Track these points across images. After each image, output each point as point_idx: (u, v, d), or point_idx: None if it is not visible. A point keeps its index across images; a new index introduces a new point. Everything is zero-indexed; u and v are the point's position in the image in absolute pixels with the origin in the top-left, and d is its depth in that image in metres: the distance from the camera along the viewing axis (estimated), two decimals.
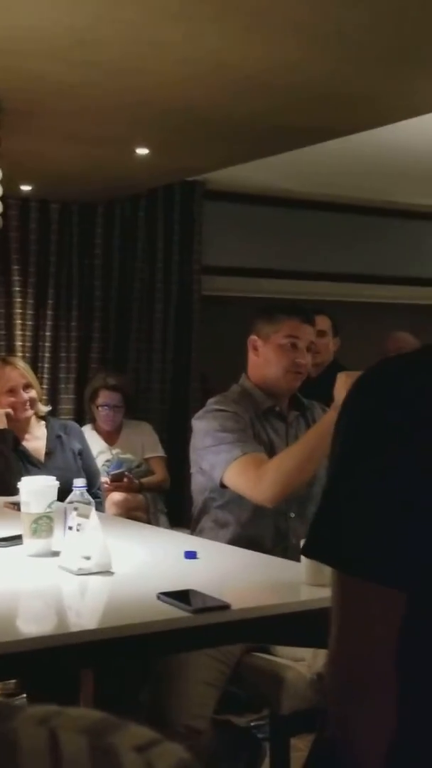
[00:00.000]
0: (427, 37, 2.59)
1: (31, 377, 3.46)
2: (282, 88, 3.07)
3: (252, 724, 3.29)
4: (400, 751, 0.86)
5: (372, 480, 0.87)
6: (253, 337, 2.58)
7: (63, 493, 2.25)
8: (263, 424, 2.54)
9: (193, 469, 2.55)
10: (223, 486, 2.43)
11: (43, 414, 3.50)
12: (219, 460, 2.41)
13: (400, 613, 0.85)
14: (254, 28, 2.54)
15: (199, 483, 2.53)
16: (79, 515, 2.04)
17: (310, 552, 0.94)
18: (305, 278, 5.70)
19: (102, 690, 3.50)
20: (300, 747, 2.84)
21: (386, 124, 3.55)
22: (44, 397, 4.47)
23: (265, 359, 2.55)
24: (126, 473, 4.24)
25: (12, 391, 3.37)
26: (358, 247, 5.87)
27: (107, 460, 4.33)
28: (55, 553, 2.14)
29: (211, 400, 2.57)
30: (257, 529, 2.44)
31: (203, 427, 2.49)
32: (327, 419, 2.29)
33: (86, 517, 2.01)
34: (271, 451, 2.52)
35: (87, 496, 2.21)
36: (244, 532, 2.43)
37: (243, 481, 2.37)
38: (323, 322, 4.24)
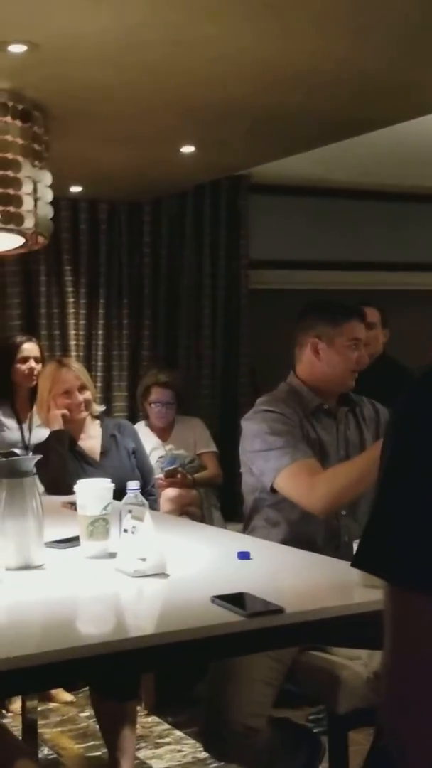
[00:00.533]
0: None
1: (85, 378, 3.51)
2: (327, 82, 3.06)
3: (310, 717, 3.31)
4: None
5: (424, 491, 0.87)
6: (314, 339, 2.57)
7: (118, 493, 2.29)
8: (312, 422, 2.55)
9: (243, 470, 2.57)
10: (273, 491, 2.45)
11: (97, 414, 3.54)
12: (269, 468, 2.43)
13: None
14: (298, 23, 2.53)
15: (249, 483, 2.55)
16: (134, 517, 2.07)
17: (362, 564, 0.94)
18: (353, 269, 5.67)
19: (161, 687, 3.55)
20: (359, 741, 2.85)
21: (427, 113, 3.51)
22: (98, 396, 4.53)
23: (329, 361, 2.56)
24: (179, 469, 4.27)
25: (68, 393, 3.42)
26: (404, 235, 5.81)
27: (161, 457, 4.37)
28: (112, 555, 2.18)
29: (259, 400, 2.58)
30: (309, 528, 2.45)
31: (252, 429, 2.50)
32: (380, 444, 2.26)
33: (141, 519, 2.04)
34: (322, 450, 2.52)
35: (141, 498, 2.24)
36: (295, 531, 2.44)
37: (294, 489, 2.39)
38: (372, 314, 4.20)
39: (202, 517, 4.18)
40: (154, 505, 3.52)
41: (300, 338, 2.62)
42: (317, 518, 2.43)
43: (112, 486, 2.29)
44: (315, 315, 2.62)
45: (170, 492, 4.16)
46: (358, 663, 2.19)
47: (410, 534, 0.87)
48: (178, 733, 3.37)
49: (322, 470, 2.40)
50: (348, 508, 2.46)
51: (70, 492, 2.41)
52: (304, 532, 2.43)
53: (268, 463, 2.43)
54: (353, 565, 0.94)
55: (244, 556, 2.13)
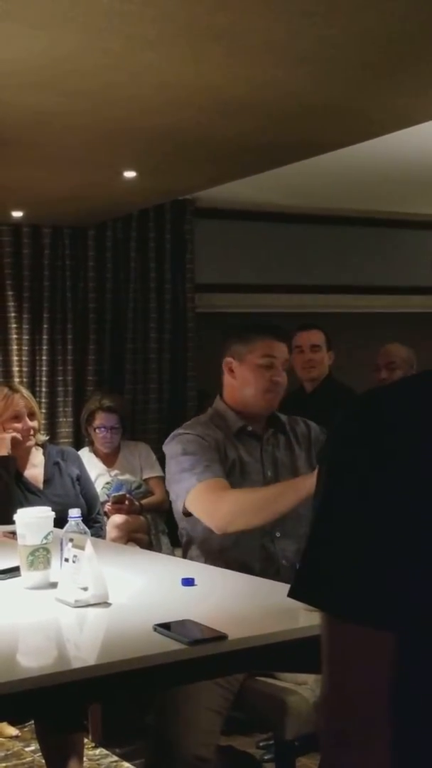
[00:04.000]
0: (406, 50, 2.60)
1: (34, 406, 3.48)
2: (264, 107, 3.09)
3: (260, 744, 3.28)
4: None
5: (358, 521, 0.86)
6: (228, 359, 2.57)
7: (62, 521, 2.25)
8: (236, 444, 2.53)
9: (171, 497, 2.56)
10: (187, 514, 2.44)
11: (41, 443, 3.50)
12: (180, 490, 2.43)
13: (391, 658, 0.84)
14: (231, 50, 2.55)
15: (177, 512, 2.53)
16: (75, 546, 2.04)
17: (297, 594, 0.93)
18: (298, 292, 5.71)
19: (109, 718, 3.49)
20: (309, 766, 2.84)
21: (369, 138, 3.57)
22: (43, 423, 4.48)
23: (242, 380, 2.54)
24: (127, 495, 4.23)
25: (17, 418, 3.38)
26: (348, 259, 5.89)
27: (107, 483, 4.33)
28: (53, 585, 2.14)
29: (182, 425, 2.59)
30: (242, 554, 2.42)
31: (169, 452, 2.51)
32: (301, 481, 2.25)
33: (82, 548, 2.01)
34: (242, 470, 2.51)
35: (82, 526, 2.21)
36: (229, 558, 2.40)
37: (200, 507, 2.38)
38: (317, 336, 4.25)
39: (150, 544, 4.15)
40: (100, 532, 3.47)
41: (221, 362, 2.62)
42: (252, 542, 2.40)
43: (52, 515, 2.25)
44: (230, 335, 2.61)
45: (117, 519, 4.12)
46: (304, 688, 2.17)
47: (344, 565, 0.86)
48: (126, 765, 3.31)
49: (229, 489, 2.38)
50: (282, 529, 2.44)
51: (12, 521, 2.36)
52: (238, 558, 2.39)
53: (180, 484, 2.42)
54: (289, 594, 0.93)
55: (188, 582, 2.11)
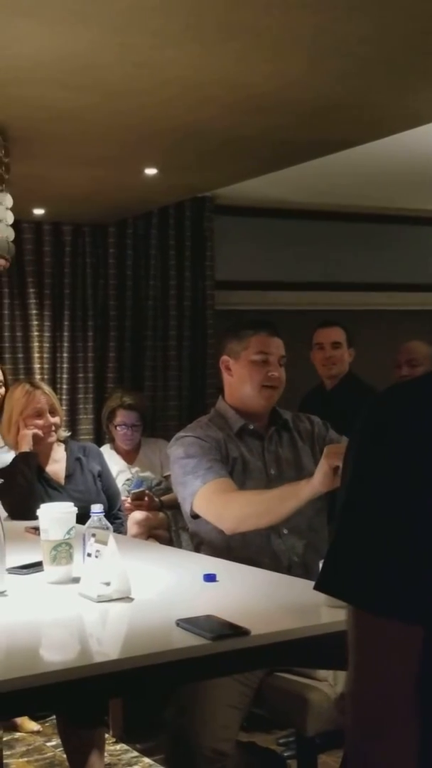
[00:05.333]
0: (428, 47, 2.59)
1: (56, 403, 3.49)
2: (287, 104, 3.08)
3: (280, 741, 3.28)
4: None
5: (385, 515, 0.86)
6: (224, 357, 2.57)
7: (83, 517, 2.26)
8: (237, 443, 2.52)
9: (179, 500, 2.56)
10: (195, 516, 2.45)
11: (63, 439, 3.51)
12: (186, 494, 2.44)
13: (419, 650, 0.84)
14: (256, 47, 2.55)
15: (185, 514, 2.54)
16: (97, 541, 2.04)
17: (325, 587, 0.92)
18: (318, 289, 5.70)
19: (129, 713, 3.50)
20: (330, 764, 2.83)
21: (390, 134, 3.55)
22: (64, 420, 4.49)
23: (239, 378, 2.54)
24: (146, 491, 4.24)
25: (39, 415, 3.39)
26: (369, 256, 5.86)
27: (127, 480, 4.33)
28: (76, 580, 2.14)
29: (184, 428, 2.60)
30: (253, 551, 2.42)
31: (172, 456, 2.53)
32: (301, 487, 2.24)
33: (104, 543, 2.01)
34: (245, 469, 2.51)
35: (105, 521, 2.21)
36: (241, 555, 2.40)
37: (209, 508, 2.39)
38: (338, 334, 4.23)
39: (170, 540, 4.14)
40: (120, 529, 3.48)
41: (220, 362, 2.62)
42: (259, 539, 2.41)
43: (74, 510, 2.26)
44: (225, 334, 2.62)
45: (137, 515, 4.12)
46: (325, 684, 2.17)
47: (372, 557, 0.86)
48: (146, 760, 3.32)
49: (234, 488, 2.39)
50: (288, 526, 2.44)
51: (34, 517, 2.37)
52: (247, 556, 2.39)
53: (186, 488, 2.44)
54: (316, 587, 0.93)
55: (210, 578, 2.11)
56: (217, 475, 2.39)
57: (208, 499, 2.37)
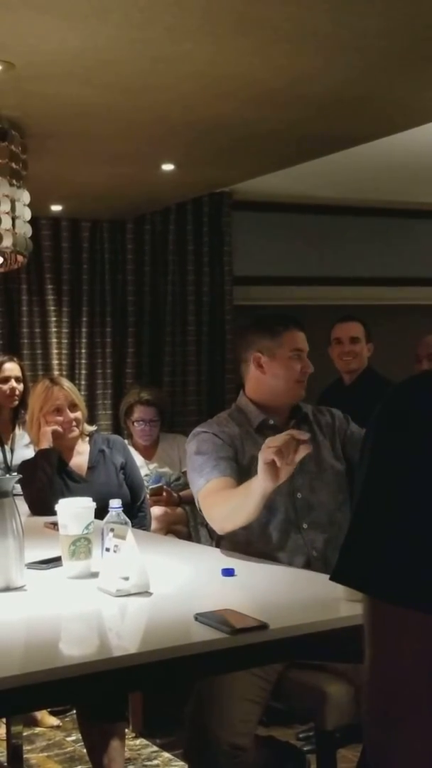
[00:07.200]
0: None
1: (77, 397, 3.47)
2: (304, 99, 3.07)
3: (300, 735, 3.28)
4: None
5: (403, 502, 0.86)
6: (257, 354, 2.56)
7: (104, 509, 2.27)
8: (257, 439, 2.51)
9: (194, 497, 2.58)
10: None
11: (88, 433, 3.51)
12: (194, 492, 2.46)
13: None
14: (273, 41, 2.54)
15: (199, 510, 2.54)
16: (116, 536, 2.05)
17: (341, 578, 0.92)
18: (336, 284, 5.69)
19: (149, 707, 3.52)
20: (350, 758, 2.83)
21: (407, 128, 3.54)
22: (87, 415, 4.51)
23: (273, 375, 2.54)
24: (165, 487, 4.25)
25: (59, 411, 3.39)
26: (387, 250, 5.84)
27: (146, 475, 4.34)
28: (95, 575, 2.15)
29: (202, 423, 2.61)
30: (271, 545, 2.41)
31: (187, 452, 2.55)
32: (252, 485, 2.21)
33: (123, 538, 2.02)
34: None
35: (123, 516, 2.22)
36: (258, 550, 2.39)
37: (204, 509, 2.41)
38: (356, 329, 4.22)
39: (189, 535, 4.15)
40: (144, 521, 3.47)
41: (243, 355, 2.62)
42: (275, 535, 2.40)
43: (93, 505, 2.27)
44: (254, 330, 2.60)
45: (156, 510, 4.13)
46: (344, 678, 2.16)
47: (389, 546, 0.86)
48: (166, 754, 3.33)
49: (226, 489, 2.37)
50: (308, 520, 2.44)
51: (54, 512, 2.38)
52: (265, 551, 2.38)
53: (193, 486, 2.46)
54: (332, 578, 0.93)
55: (228, 572, 2.11)
56: (221, 474, 2.39)
57: (205, 498, 2.40)
